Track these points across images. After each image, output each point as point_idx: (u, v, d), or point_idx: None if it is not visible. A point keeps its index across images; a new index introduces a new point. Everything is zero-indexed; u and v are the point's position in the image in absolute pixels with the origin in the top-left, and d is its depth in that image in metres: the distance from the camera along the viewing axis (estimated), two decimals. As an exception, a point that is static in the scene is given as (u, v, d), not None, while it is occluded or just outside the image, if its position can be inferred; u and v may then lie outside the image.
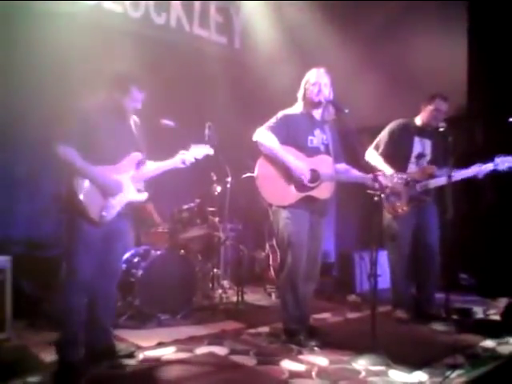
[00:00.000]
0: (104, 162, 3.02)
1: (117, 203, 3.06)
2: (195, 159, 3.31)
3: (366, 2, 5.96)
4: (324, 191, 3.63)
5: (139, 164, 3.21)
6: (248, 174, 4.47)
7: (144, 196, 3.24)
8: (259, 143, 3.57)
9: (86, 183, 2.93)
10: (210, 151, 3.39)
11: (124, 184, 3.10)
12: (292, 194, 3.56)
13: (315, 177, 3.58)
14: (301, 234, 3.57)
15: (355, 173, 3.73)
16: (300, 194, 3.56)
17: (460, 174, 4.03)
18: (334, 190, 3.69)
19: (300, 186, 3.57)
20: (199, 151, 3.34)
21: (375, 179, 3.42)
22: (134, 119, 3.27)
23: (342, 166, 3.76)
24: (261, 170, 3.62)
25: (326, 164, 3.63)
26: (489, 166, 4.01)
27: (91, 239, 2.95)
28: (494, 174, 4.04)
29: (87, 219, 2.92)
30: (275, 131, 3.55)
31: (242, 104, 6.01)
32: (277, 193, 3.58)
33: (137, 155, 3.18)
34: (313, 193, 3.59)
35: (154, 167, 3.27)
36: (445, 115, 4.22)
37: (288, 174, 3.55)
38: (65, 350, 2.90)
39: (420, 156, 4.28)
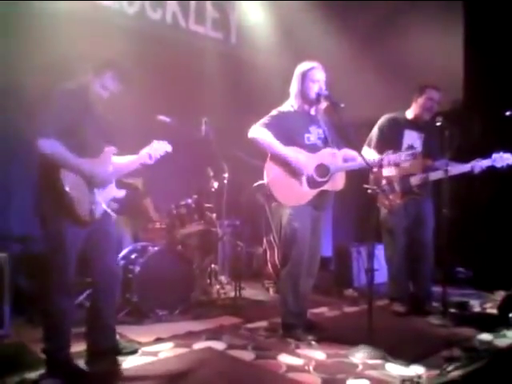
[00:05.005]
0: (84, 155, 2.80)
1: (102, 199, 2.90)
2: (159, 156, 3.11)
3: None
4: (337, 183, 3.60)
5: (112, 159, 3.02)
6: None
7: (123, 193, 3.09)
8: (255, 140, 3.52)
9: (72, 177, 2.70)
10: (168, 148, 3.16)
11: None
12: (307, 192, 3.51)
13: (324, 170, 3.55)
14: (305, 229, 3.53)
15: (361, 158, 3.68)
16: (314, 190, 3.52)
17: (456, 169, 4.03)
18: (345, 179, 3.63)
19: (312, 182, 3.53)
20: (161, 147, 3.12)
21: (382, 161, 3.43)
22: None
23: (348, 153, 3.67)
24: (270, 175, 3.55)
25: (330, 156, 3.58)
26: (486, 162, 3.99)
27: (76, 237, 2.81)
28: (491, 169, 4.01)
29: (74, 216, 2.73)
30: (270, 128, 3.51)
31: (238, 99, 6.01)
32: (291, 194, 3.51)
33: (112, 149, 2.99)
34: (326, 186, 3.56)
35: (123, 163, 3.08)
36: (438, 106, 4.21)
37: (297, 172, 3.49)
38: (53, 349, 2.86)
39: (410, 149, 4.27)
